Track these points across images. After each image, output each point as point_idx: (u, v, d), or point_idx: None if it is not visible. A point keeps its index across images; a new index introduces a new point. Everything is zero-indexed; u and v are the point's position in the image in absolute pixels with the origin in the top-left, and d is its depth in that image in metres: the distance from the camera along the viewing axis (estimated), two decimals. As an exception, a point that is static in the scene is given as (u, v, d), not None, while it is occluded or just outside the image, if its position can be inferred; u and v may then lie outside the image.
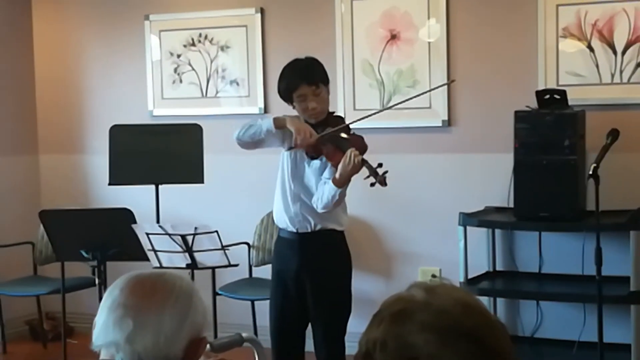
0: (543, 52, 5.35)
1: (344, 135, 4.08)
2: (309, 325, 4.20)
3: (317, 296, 4.11)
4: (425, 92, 5.03)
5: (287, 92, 4.08)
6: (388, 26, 5.74)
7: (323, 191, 3.99)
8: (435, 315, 1.36)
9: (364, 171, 3.91)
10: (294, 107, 4.14)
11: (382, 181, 3.89)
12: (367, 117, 4.40)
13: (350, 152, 3.89)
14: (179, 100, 6.36)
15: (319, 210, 4.04)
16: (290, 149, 4.04)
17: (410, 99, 4.68)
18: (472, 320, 1.37)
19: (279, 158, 4.20)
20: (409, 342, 1.34)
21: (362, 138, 4.09)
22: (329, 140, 4.03)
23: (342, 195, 3.98)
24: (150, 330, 1.81)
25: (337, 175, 3.92)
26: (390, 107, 4.47)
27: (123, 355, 1.81)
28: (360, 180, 4.04)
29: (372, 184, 3.90)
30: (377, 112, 4.54)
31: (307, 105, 4.05)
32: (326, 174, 4.06)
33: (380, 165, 3.91)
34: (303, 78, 4.04)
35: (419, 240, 5.75)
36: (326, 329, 4.13)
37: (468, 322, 1.36)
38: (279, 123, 4.01)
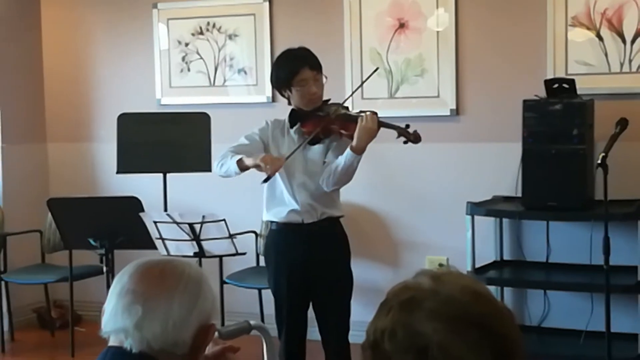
0: (552, 41, 5.34)
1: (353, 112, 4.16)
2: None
3: (327, 284, 4.14)
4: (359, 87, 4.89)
5: (289, 76, 4.07)
6: (396, 15, 5.72)
7: (337, 164, 4.00)
8: (444, 303, 1.35)
9: (393, 133, 3.99)
10: (288, 97, 4.14)
11: (416, 137, 4.00)
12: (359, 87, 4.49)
13: (364, 114, 3.97)
14: (187, 88, 6.36)
15: (330, 187, 4.05)
16: (265, 181, 4.03)
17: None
18: (481, 308, 1.36)
19: None
20: (418, 330, 1.34)
21: (374, 112, 4.10)
22: (336, 118, 4.07)
23: (357, 165, 4.00)
24: (159, 316, 1.81)
25: (354, 143, 3.95)
26: (356, 89, 4.54)
27: (132, 342, 1.82)
28: (367, 170, 4.05)
29: (405, 142, 4.02)
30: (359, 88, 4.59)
31: (308, 90, 4.07)
32: (330, 156, 4.08)
33: (407, 126, 4.00)
34: (306, 62, 4.08)
35: (427, 229, 5.75)
36: (337, 314, 4.17)
37: (477, 310, 1.35)
38: (241, 165, 4.02)
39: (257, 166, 3.98)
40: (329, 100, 4.21)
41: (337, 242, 4.20)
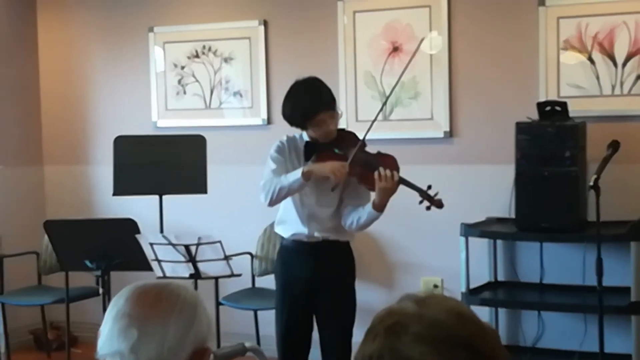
0: (544, 64, 5.38)
1: (370, 152, 4.11)
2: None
3: (331, 305, 4.15)
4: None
5: (303, 118, 4.02)
6: (390, 38, 5.77)
7: (361, 215, 4.05)
8: (429, 326, 1.36)
9: (415, 195, 3.98)
10: (302, 129, 4.12)
11: (439, 203, 4.00)
12: (372, 123, 4.24)
13: (382, 170, 3.94)
14: (183, 111, 6.40)
15: (353, 231, 4.13)
16: (333, 189, 4.03)
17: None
18: (467, 329, 1.37)
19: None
20: (405, 354, 1.34)
21: (393, 158, 4.09)
22: (357, 162, 4.03)
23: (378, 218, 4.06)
24: (155, 340, 1.83)
25: (376, 200, 3.98)
26: (383, 109, 4.45)
27: (128, 365, 1.84)
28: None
29: (428, 208, 4.02)
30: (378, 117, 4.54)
31: (325, 130, 4.05)
32: (349, 198, 4.11)
33: (429, 187, 3.99)
34: (322, 104, 4.02)
35: (421, 251, 5.77)
36: (340, 337, 4.17)
37: (463, 332, 1.36)
38: (308, 175, 3.96)
39: (326, 177, 3.99)
40: (343, 129, 4.23)
41: (343, 262, 4.22)
